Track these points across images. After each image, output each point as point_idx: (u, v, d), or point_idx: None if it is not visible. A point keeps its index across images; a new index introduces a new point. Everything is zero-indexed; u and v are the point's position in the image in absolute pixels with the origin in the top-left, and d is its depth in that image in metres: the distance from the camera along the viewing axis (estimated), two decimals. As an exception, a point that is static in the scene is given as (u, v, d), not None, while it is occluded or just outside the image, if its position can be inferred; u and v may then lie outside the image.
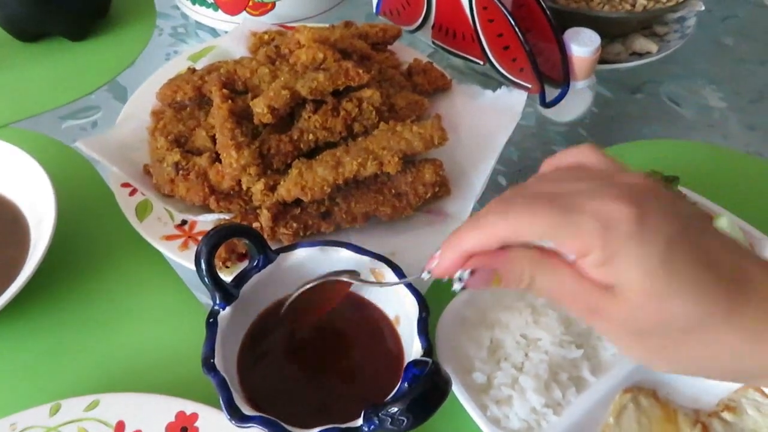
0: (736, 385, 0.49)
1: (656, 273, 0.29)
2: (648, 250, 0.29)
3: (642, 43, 0.77)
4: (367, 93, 0.58)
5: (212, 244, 0.45)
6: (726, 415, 0.48)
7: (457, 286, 0.34)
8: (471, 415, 0.47)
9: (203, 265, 0.45)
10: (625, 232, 0.30)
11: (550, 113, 0.73)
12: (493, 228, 0.33)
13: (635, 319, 0.31)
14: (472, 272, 0.33)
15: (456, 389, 0.47)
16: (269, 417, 0.41)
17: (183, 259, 0.54)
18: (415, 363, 0.43)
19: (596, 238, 0.30)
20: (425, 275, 0.37)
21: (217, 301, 0.46)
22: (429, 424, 0.49)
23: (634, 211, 0.30)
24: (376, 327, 0.50)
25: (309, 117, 0.57)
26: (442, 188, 0.58)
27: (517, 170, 0.69)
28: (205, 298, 0.56)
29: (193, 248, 0.55)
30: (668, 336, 0.31)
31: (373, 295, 0.51)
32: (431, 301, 0.48)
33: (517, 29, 0.63)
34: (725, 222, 0.56)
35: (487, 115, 0.66)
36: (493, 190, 0.65)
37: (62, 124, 0.72)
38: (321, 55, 0.59)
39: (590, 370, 0.50)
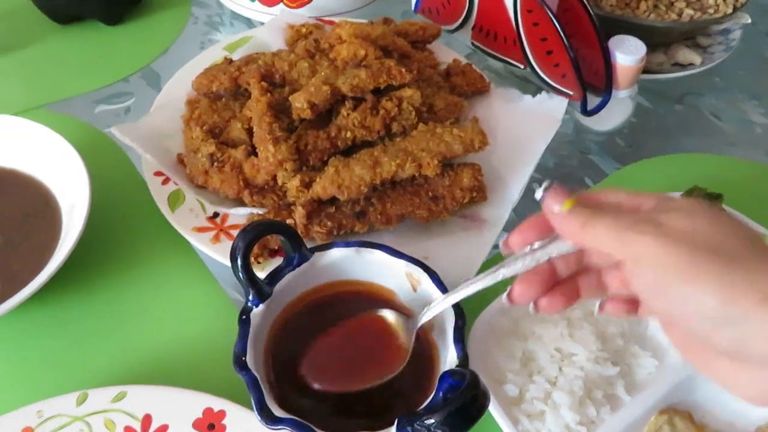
0: (776, 413, 0.48)
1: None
2: None
3: (685, 54, 0.75)
4: (407, 92, 0.57)
5: (249, 239, 0.44)
6: (763, 442, 0.47)
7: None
8: (502, 428, 0.46)
9: (239, 261, 0.44)
10: None
11: (588, 121, 0.71)
12: (576, 237, 0.35)
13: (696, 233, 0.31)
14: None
15: (488, 400, 0.46)
16: (301, 420, 0.40)
17: (214, 252, 0.53)
18: (451, 373, 0.42)
19: None
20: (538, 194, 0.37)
21: (251, 298, 0.45)
22: (459, 435, 0.49)
23: None
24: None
25: (348, 114, 0.56)
26: (479, 193, 0.56)
27: (551, 179, 0.67)
28: (234, 292, 0.56)
29: (224, 241, 0.54)
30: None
31: (408, 299, 0.50)
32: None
33: (562, 34, 0.62)
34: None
35: (526, 121, 0.65)
36: (529, 198, 0.64)
37: (95, 108, 0.72)
38: (362, 52, 0.58)
39: (625, 389, 0.48)
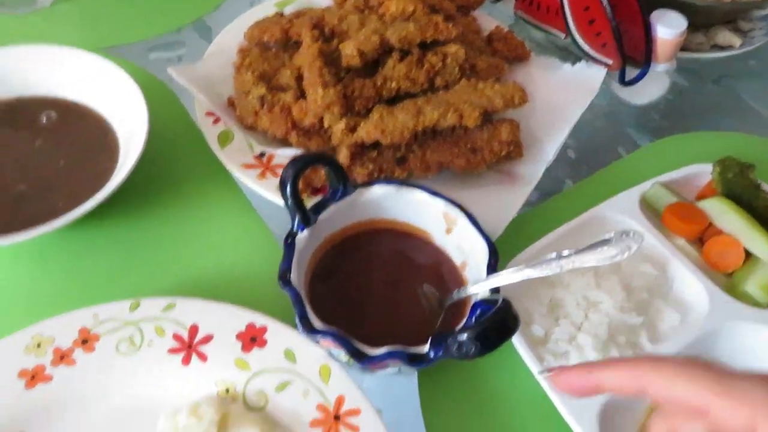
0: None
1: None
2: None
3: (725, 36, 0.76)
4: (452, 48, 0.59)
5: (298, 167, 0.47)
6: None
7: None
8: (527, 364, 0.48)
9: (288, 188, 0.46)
10: None
11: (625, 95, 0.72)
12: (643, 373, 0.30)
13: None
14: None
15: (514, 338, 0.48)
16: (339, 331, 0.42)
17: (261, 188, 0.56)
18: (484, 301, 0.44)
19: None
20: (543, 374, 0.36)
21: (296, 224, 0.48)
22: (485, 370, 0.51)
23: None
24: (443, 270, 0.51)
25: (394, 65, 0.58)
26: (515, 149, 0.58)
27: (585, 147, 0.69)
28: (274, 227, 0.58)
29: (270, 178, 0.57)
30: None
31: (441, 240, 0.52)
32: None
33: (605, 2, 0.63)
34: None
35: (564, 88, 0.67)
36: (562, 162, 0.66)
37: (149, 55, 0.75)
38: (411, 8, 0.60)
39: (648, 338, 0.50)
